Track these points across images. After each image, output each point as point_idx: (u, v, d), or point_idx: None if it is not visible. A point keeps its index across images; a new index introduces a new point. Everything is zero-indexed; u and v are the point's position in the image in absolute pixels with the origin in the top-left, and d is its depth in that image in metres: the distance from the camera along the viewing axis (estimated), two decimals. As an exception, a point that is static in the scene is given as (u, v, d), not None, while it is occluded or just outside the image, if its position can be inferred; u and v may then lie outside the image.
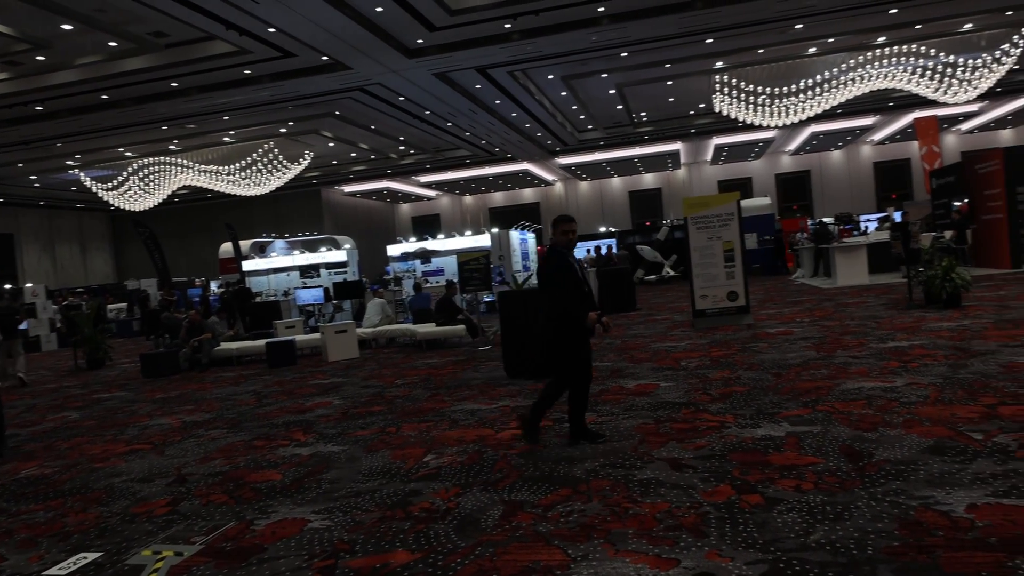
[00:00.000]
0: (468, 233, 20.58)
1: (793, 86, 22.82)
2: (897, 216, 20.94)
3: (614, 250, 22.63)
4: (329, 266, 21.38)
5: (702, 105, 26.06)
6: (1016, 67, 21.93)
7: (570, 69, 20.32)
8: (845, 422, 5.03)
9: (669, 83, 23.38)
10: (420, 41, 15.98)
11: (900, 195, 32.22)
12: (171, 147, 23.20)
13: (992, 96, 24.91)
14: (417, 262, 20.09)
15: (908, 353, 7.29)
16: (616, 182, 36.89)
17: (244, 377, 10.85)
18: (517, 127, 25.66)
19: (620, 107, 25.52)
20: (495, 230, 19.14)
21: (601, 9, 15.63)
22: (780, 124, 24.16)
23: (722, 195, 11.19)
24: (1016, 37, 20.77)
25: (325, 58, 15.97)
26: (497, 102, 22.20)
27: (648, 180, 36.44)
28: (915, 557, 2.94)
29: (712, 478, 4.16)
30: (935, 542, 3.06)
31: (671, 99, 25.19)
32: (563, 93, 22.95)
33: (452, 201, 39.53)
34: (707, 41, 18.99)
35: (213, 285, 25.67)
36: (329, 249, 23.55)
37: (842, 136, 30.61)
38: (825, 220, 23.98)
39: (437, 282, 17.91)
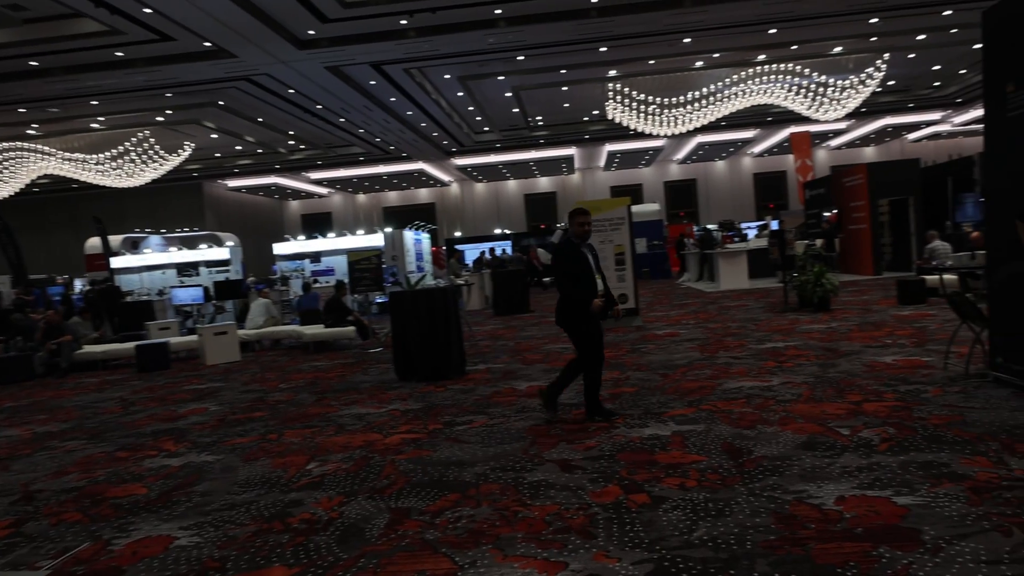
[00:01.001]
0: (361, 232, 20.08)
1: (681, 97, 23.75)
2: (774, 225, 22.16)
3: (508, 252, 22.78)
4: (210, 264, 20.26)
5: (596, 112, 26.68)
6: (879, 89, 23.77)
7: (467, 70, 20.24)
8: (727, 420, 5.18)
9: (565, 88, 23.75)
10: (312, 32, 15.43)
11: (777, 205, 34.24)
12: (30, 131, 21.28)
13: (858, 115, 26.93)
14: (306, 261, 19.40)
15: (783, 353, 7.67)
16: (512, 185, 37.17)
17: (109, 383, 10.04)
18: (413, 126, 25.32)
19: (516, 110, 25.70)
20: (388, 229, 18.76)
21: (499, 11, 15.64)
22: (669, 134, 25.07)
23: (613, 200, 11.42)
24: (879, 62, 22.52)
25: (208, 44, 15.11)
26: (392, 99, 21.80)
27: (543, 184, 36.94)
28: (790, 550, 3.03)
29: (601, 479, 4.16)
30: (808, 535, 3.16)
31: (566, 104, 25.61)
32: (460, 93, 22.83)
33: (345, 199, 38.56)
34: (601, 49, 19.39)
35: (78, 283, 23.74)
36: (210, 246, 22.33)
37: (726, 147, 32.18)
38: (709, 227, 25.08)
39: (327, 282, 17.35)
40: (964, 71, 25.13)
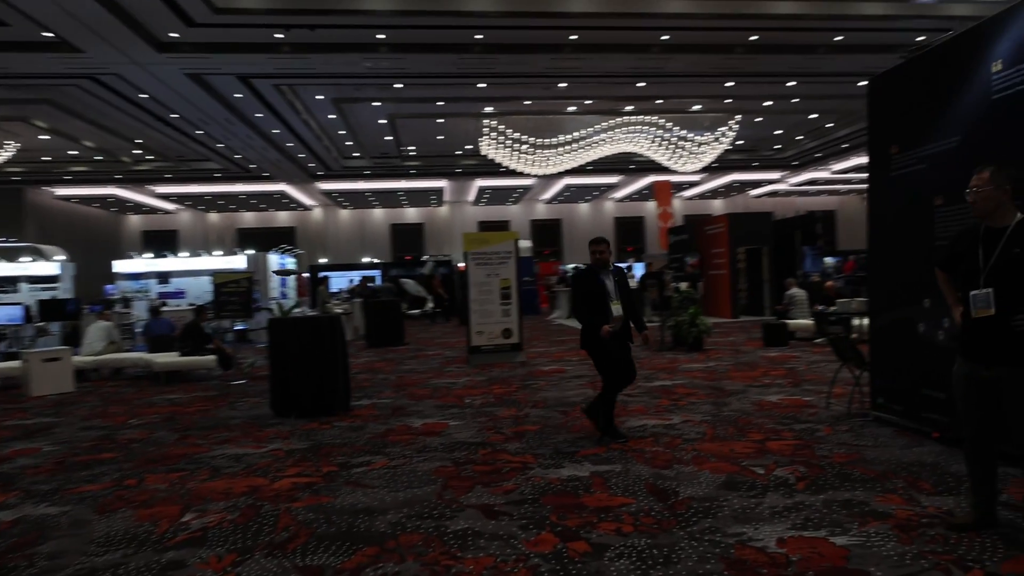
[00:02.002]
0: (219, 253, 18.66)
1: (553, 139, 24.43)
2: (639, 266, 23.13)
3: (378, 281, 22.09)
4: (34, 280, 17.95)
5: (469, 146, 26.78)
6: (730, 147, 25.68)
7: (342, 92, 19.60)
8: (641, 460, 5.09)
9: (440, 121, 23.66)
10: (175, 35, 14.25)
11: (635, 248, 35.92)
12: None
13: (710, 170, 28.93)
14: (152, 282, 17.69)
15: (674, 392, 7.80)
16: (378, 213, 36.40)
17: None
18: (278, 145, 24.14)
19: (389, 138, 25.25)
20: (251, 252, 17.57)
21: (381, 36, 15.28)
22: (539, 173, 25.65)
23: (501, 233, 11.35)
24: (732, 122, 24.39)
25: (49, 35, 13.54)
26: (258, 115, 20.66)
27: (411, 214, 36.50)
28: (754, 601, 2.90)
29: (531, 525, 3.88)
30: (766, 582, 3.06)
31: (440, 136, 25.52)
32: (332, 116, 22.06)
33: (194, 217, 35.97)
34: (480, 85, 19.51)
35: None
36: (34, 260, 19.83)
37: (590, 191, 33.43)
38: (580, 266, 25.76)
39: (177, 305, 15.88)
40: (800, 137, 27.79)
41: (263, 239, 32.11)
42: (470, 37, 15.61)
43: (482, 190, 32.25)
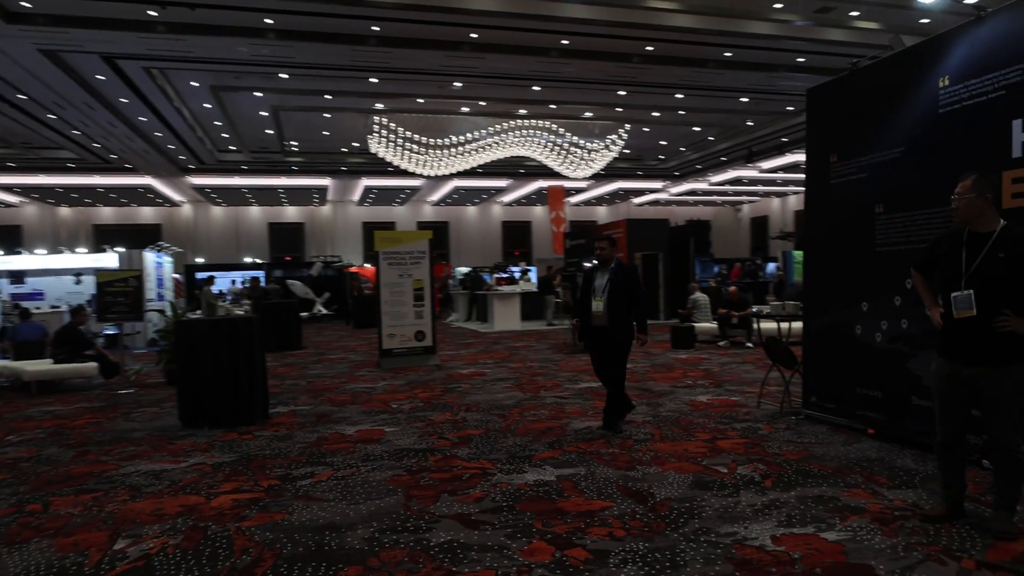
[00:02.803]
0: (83, 250, 16.93)
1: (444, 140, 24.17)
2: (532, 270, 23.32)
3: (262, 282, 20.86)
4: None
5: (357, 144, 25.99)
6: (617, 156, 26.50)
7: (221, 79, 18.33)
8: (601, 462, 5.01)
9: (327, 115, 22.76)
10: (27, 4, 12.67)
11: (522, 252, 36.29)
12: None
13: (597, 177, 29.72)
14: (4, 281, 15.79)
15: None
16: (255, 211, 34.56)
17: None
18: (144, 134, 22.27)
19: (271, 131, 23.99)
20: (121, 249, 16.07)
21: (269, 21, 14.41)
22: (429, 174, 25.31)
23: (415, 232, 11.04)
24: (621, 131, 25.18)
25: None
26: (123, 100, 18.90)
27: (291, 213, 34.94)
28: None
29: (518, 534, 3.69)
30: (784, 581, 3.04)
31: (326, 132, 24.58)
32: (208, 105, 20.62)
33: (42, 211, 32.59)
34: (372, 80, 18.95)
35: None
36: None
37: (479, 194, 33.41)
38: (479, 268, 25.67)
39: (37, 308, 14.27)
40: (684, 149, 29.16)
41: (123, 237, 29.58)
42: (366, 28, 15.07)
43: (368, 190, 31.41)
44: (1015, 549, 3.29)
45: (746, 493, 4.24)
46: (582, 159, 25.23)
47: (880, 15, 16.18)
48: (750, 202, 40.48)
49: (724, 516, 3.86)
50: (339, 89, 19.59)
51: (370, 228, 35.08)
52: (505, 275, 20.90)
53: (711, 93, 20.90)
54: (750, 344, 11.42)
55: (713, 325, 11.90)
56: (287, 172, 28.19)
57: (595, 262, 6.22)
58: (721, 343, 11.59)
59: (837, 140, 5.94)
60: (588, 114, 24.16)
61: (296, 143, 25.73)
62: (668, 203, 37.91)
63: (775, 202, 39.31)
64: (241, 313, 9.78)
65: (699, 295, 12.58)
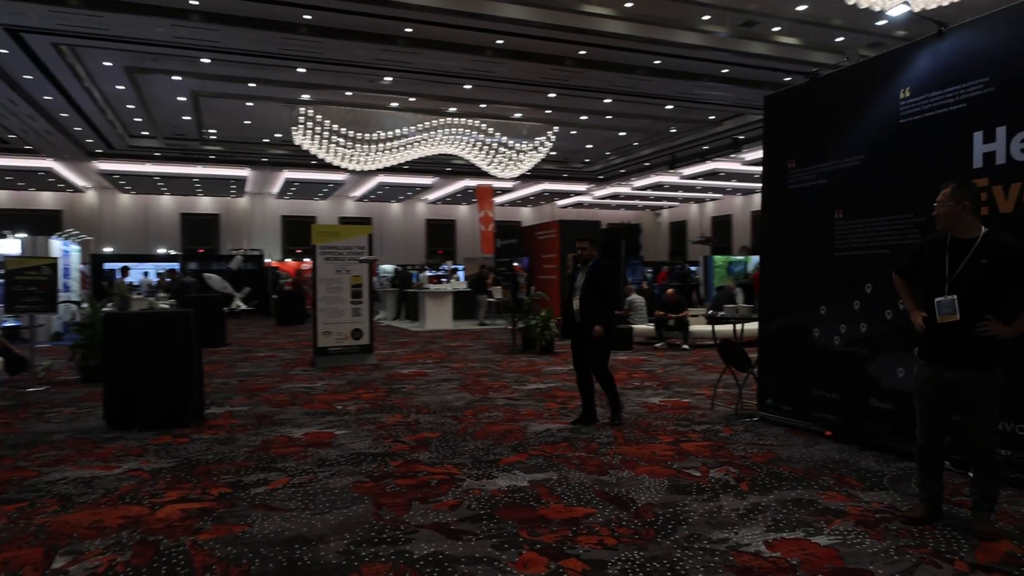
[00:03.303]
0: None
1: (372, 135, 23.62)
2: (459, 268, 23.05)
3: (180, 274, 19.68)
4: None
5: (280, 135, 25.07)
6: (544, 158, 26.59)
7: (137, 60, 17.23)
8: (571, 466, 4.88)
9: (250, 104, 21.83)
10: (-84, -29, 11.55)
11: (446, 251, 35.93)
12: None
13: (524, 178, 29.77)
14: None
15: (554, 395, 7.72)
16: (167, 200, 32.75)
17: None
18: (49, 114, 20.73)
19: (188, 118, 22.79)
20: (23, 235, 14.80)
21: (194, 2, 13.65)
22: (354, 169, 24.68)
23: (355, 227, 10.62)
24: (550, 133, 25.28)
25: None
26: (27, 77, 17.52)
27: (205, 204, 33.30)
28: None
29: (505, 544, 3.50)
30: (790, 589, 2.98)
31: (248, 121, 23.58)
32: (121, 87, 19.37)
33: (-78, 193, 29.87)
34: (300, 70, 18.29)
35: None
36: None
37: (404, 191, 32.85)
38: (407, 265, 25.18)
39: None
40: (609, 154, 29.60)
41: (19, 222, 27.42)
42: (298, 16, 14.50)
43: (289, 182, 30.33)
44: (1000, 550, 3.36)
45: (726, 497, 4.20)
46: (511, 159, 25.21)
47: (799, 31, 16.88)
48: (670, 207, 41.61)
49: (711, 522, 3.79)
50: (264, 77, 18.82)
51: (290, 222, 33.93)
52: (439, 273, 20.54)
53: (638, 99, 21.27)
54: (686, 346, 11.60)
55: (650, 327, 12.04)
56: (204, 161, 26.87)
57: (577, 262, 6.43)
58: (658, 344, 11.73)
59: (795, 146, 6.04)
60: (518, 115, 24.15)
61: (215, 131, 24.56)
62: (591, 206, 38.47)
63: (693, 208, 40.54)
64: (166, 307, 9.09)
65: (636, 297, 12.71)
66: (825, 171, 5.69)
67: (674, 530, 3.67)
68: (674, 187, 34.41)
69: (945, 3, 8.22)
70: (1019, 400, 4.22)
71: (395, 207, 36.28)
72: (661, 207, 41.66)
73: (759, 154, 27.23)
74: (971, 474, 3.79)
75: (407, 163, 26.35)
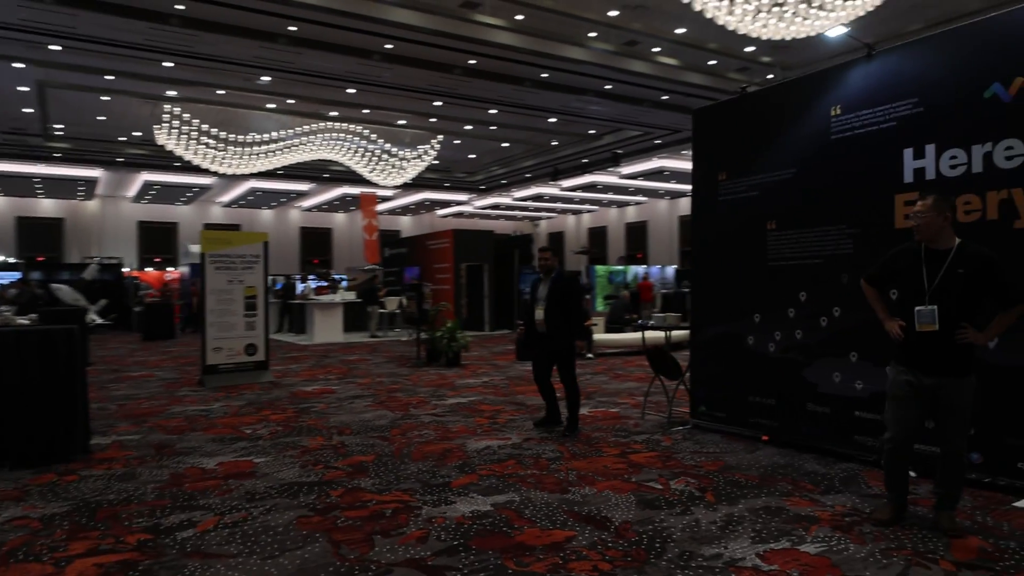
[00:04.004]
0: None
1: (245, 137, 22.32)
2: (343, 278, 22.14)
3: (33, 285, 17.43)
4: None
5: (139, 133, 23.09)
6: (427, 166, 26.22)
7: (-34, 42, 15.30)
8: (529, 486, 4.65)
9: (106, 98, 19.96)
10: None
11: (322, 260, 34.54)
12: None
13: (404, 187, 29.18)
14: None
15: (478, 408, 7.44)
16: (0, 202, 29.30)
17: None
18: None
19: (31, 110, 20.48)
20: None
21: (55, -16, 12.31)
22: (224, 172, 23.21)
23: (249, 234, 9.85)
24: (434, 141, 24.96)
25: None
26: None
27: (47, 207, 30.02)
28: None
29: (495, 578, 3.21)
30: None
31: (103, 117, 21.54)
32: (-49, 73, 17.14)
33: None
34: (167, 64, 16.95)
35: None
36: None
37: (277, 197, 31.26)
38: (290, 275, 23.86)
39: None
40: (491, 163, 29.68)
41: None
42: (170, 6, 13.40)
43: (148, 185, 27.95)
44: (972, 546, 3.48)
45: (697, 509, 4.13)
46: (394, 167, 24.66)
47: (678, 53, 17.74)
48: (548, 218, 42.40)
49: (696, 537, 3.69)
50: (125, 70, 17.23)
51: (147, 228, 31.36)
52: (326, 284, 19.61)
53: (523, 111, 21.47)
54: (590, 355, 11.69)
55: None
56: (48, 159, 24.26)
57: (539, 272, 6.49)
58: (562, 354, 11.73)
59: (726, 159, 6.17)
60: (402, 122, 23.68)
61: (63, 126, 22.22)
62: (472, 216, 38.44)
63: (571, 219, 41.55)
64: (24, 322, 7.92)
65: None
66: (756, 183, 5.84)
67: (663, 548, 3.53)
68: (554, 198, 35.08)
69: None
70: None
71: (266, 214, 34.46)
72: (539, 218, 42.39)
73: (636, 168, 28.52)
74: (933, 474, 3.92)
75: (282, 168, 25.13)
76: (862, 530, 3.73)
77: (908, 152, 4.80)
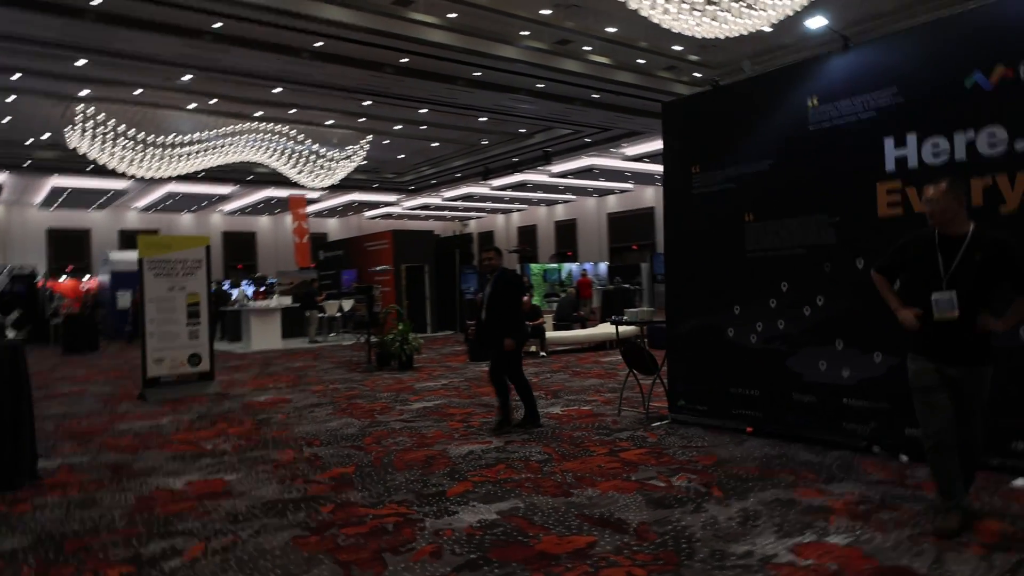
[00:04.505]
0: None
1: (165, 138, 21.25)
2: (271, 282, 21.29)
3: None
4: None
5: (48, 135, 21.65)
6: (355, 167, 25.59)
7: None
8: (529, 491, 4.48)
9: (12, 98, 18.62)
10: None
11: (247, 265, 33.25)
12: None
13: (332, 188, 28.35)
14: None
15: (447, 412, 7.21)
16: None
17: None
18: None
19: (-77, 110, 18.89)
20: None
21: (-58, -27, 11.32)
22: (141, 176, 22.04)
23: (190, 237, 9.28)
24: (363, 142, 24.40)
25: None
26: None
27: (-60, 215, 27.77)
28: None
29: (530, 592, 3.03)
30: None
31: (8, 118, 20.08)
32: None
33: None
34: (79, 63, 15.95)
35: None
36: None
37: (198, 200, 29.87)
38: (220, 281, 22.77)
39: None
40: (420, 164, 29.27)
41: None
42: (86, 2, 12.57)
43: (58, 190, 26.17)
44: (994, 528, 3.50)
45: (710, 506, 4.04)
46: (322, 168, 23.97)
47: (608, 51, 17.94)
48: (477, 218, 42.21)
49: (719, 535, 3.60)
50: (33, 67, 16.13)
51: (58, 236, 29.43)
52: (263, 289, 18.80)
53: (454, 111, 21.23)
54: (543, 353, 11.59)
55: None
56: (-56, 163, 22.45)
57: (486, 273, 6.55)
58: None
59: (698, 152, 6.15)
60: (330, 122, 23.03)
61: (-36, 128, 20.59)
62: (400, 216, 37.85)
63: (500, 218, 41.49)
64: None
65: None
66: (732, 175, 5.84)
67: (691, 549, 3.43)
68: (484, 198, 34.93)
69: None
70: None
71: (186, 218, 32.90)
72: (468, 218, 42.15)
73: (566, 166, 28.71)
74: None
75: (203, 170, 24.03)
76: (880, 518, 3.72)
77: (889, 141, 4.87)
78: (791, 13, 11.44)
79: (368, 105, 21.31)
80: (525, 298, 12.22)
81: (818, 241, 5.26)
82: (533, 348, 11.70)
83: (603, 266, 29.32)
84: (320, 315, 15.85)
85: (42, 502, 4.54)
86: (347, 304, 16.12)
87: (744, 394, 5.76)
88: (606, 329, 12.65)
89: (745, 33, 12.48)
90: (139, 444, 6.18)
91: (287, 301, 16.01)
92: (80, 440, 6.41)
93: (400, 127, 24.36)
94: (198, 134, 21.96)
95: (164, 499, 4.54)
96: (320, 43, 15.92)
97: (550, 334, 11.98)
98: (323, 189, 27.40)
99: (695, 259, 6.19)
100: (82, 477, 5.13)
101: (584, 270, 24.48)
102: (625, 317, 6.90)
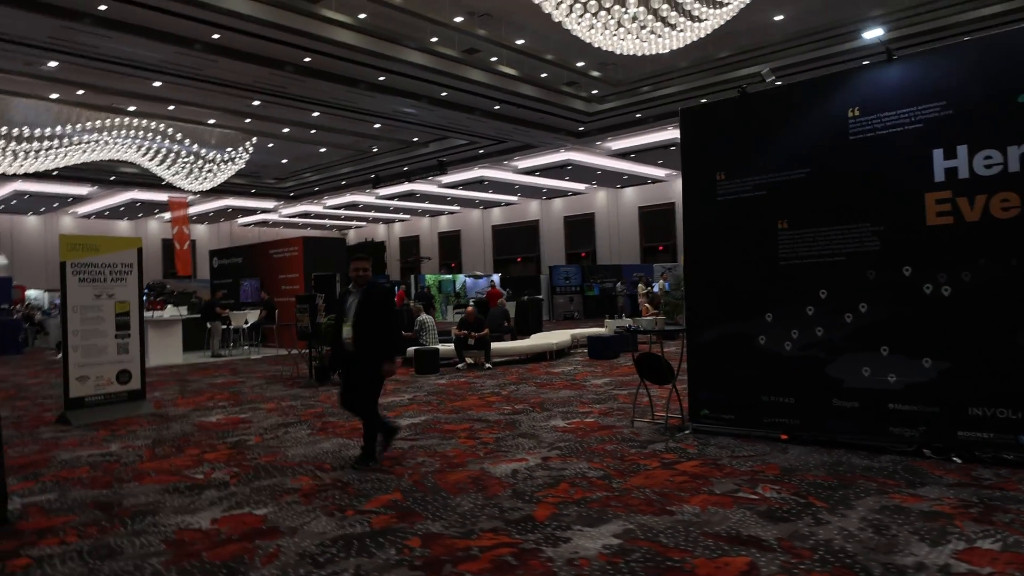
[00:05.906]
0: None
1: (15, 131, 18.83)
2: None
3: None
4: None
5: None
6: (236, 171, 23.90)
7: None
8: (621, 510, 4.15)
9: None
10: None
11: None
12: None
13: (204, 192, 26.16)
14: None
15: (447, 428, 6.68)
16: None
17: None
18: None
19: None
20: None
21: None
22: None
23: (119, 239, 8.05)
24: (248, 144, 22.84)
25: None
26: None
27: None
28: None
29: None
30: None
31: None
32: None
33: None
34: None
35: None
36: None
37: (48, 201, 26.62)
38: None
39: None
40: (304, 169, 27.83)
41: None
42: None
43: None
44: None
45: (826, 517, 3.90)
46: (201, 170, 22.16)
47: (516, 62, 18.05)
48: (357, 227, 40.83)
49: (869, 547, 3.44)
50: None
51: None
52: (160, 298, 16.84)
53: (349, 115, 20.46)
54: (489, 365, 11.19)
55: (447, 347, 11.39)
56: None
57: (349, 285, 5.57)
58: (460, 365, 11.12)
59: (723, 159, 6.12)
60: (212, 120, 21.38)
61: None
62: (276, 224, 35.85)
63: (381, 228, 40.40)
64: None
65: (425, 316, 11.91)
66: (764, 183, 5.85)
67: (857, 563, 3.26)
68: (367, 207, 33.85)
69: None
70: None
71: (32, 221, 29.25)
72: (349, 227, 40.68)
73: (457, 177, 28.44)
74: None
75: (59, 168, 21.47)
76: (1001, 520, 3.75)
77: (938, 152, 5.03)
78: (703, 35, 12.05)
79: (256, 105, 20.01)
80: (469, 308, 11.82)
81: (860, 248, 5.35)
82: (471, 361, 11.30)
83: (495, 277, 29.29)
84: (223, 327, 14.45)
85: (41, 553, 3.61)
86: (253, 316, 14.84)
87: (778, 402, 5.74)
88: (546, 340, 12.56)
89: (664, 52, 12.95)
90: (107, 477, 5.17)
91: (183, 311, 14.46)
92: (24, 475, 5.27)
93: (288, 130, 23.08)
94: (59, 128, 19.59)
95: (201, 542, 3.77)
96: (217, 35, 14.74)
97: (495, 345, 11.61)
98: (195, 193, 25.35)
99: (720, 266, 6.13)
100: (67, 519, 4.17)
101: (492, 281, 24.31)
102: (640, 326, 6.71)
